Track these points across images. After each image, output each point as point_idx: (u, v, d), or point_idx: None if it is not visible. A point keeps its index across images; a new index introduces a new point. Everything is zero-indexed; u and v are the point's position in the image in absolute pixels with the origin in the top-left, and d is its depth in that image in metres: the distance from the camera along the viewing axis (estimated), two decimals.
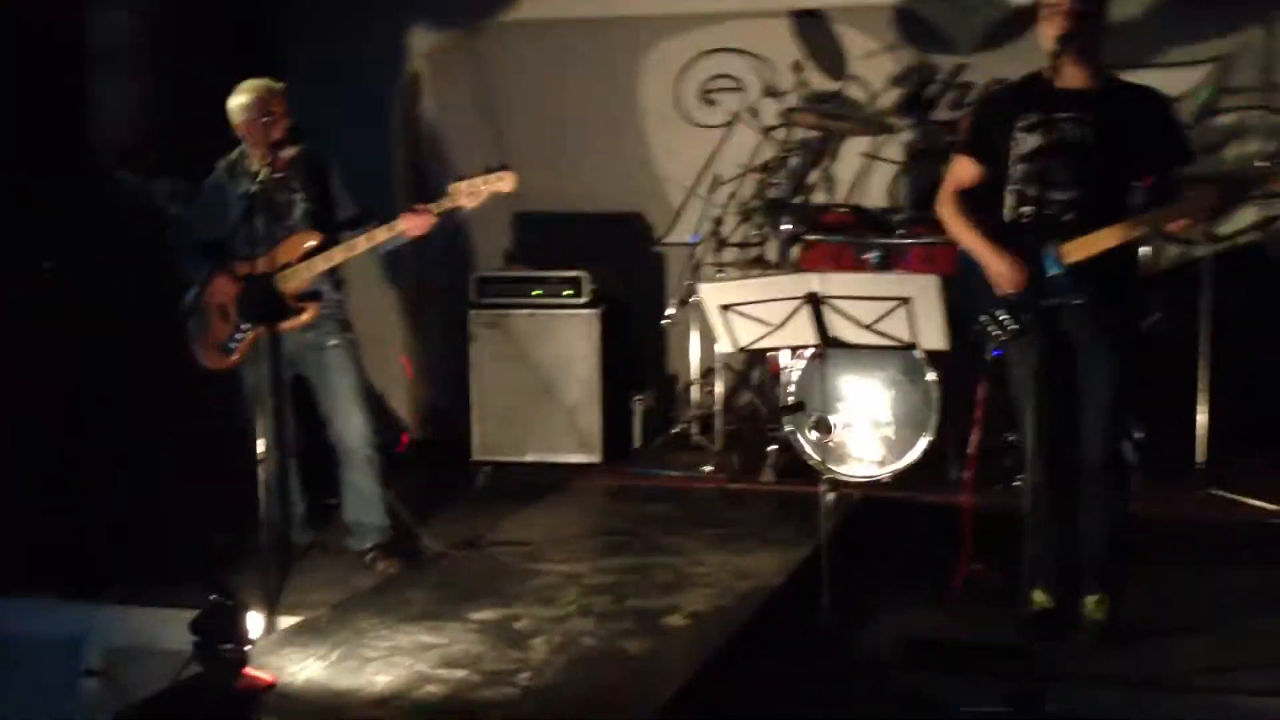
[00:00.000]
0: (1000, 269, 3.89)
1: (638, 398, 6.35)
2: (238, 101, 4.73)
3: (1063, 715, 3.50)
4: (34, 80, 5.08)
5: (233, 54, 6.59)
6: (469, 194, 4.65)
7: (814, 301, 3.51)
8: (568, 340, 6.11)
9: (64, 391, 4.90)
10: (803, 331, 3.59)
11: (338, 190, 4.88)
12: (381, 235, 4.67)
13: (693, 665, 3.44)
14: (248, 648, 3.29)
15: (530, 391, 6.11)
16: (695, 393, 6.15)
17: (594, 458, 6.03)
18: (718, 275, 6.00)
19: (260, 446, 4.31)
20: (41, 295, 4.87)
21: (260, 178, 4.37)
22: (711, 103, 6.91)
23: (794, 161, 6.28)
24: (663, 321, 6.18)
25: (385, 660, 3.46)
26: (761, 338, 3.67)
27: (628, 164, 7.02)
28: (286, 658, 3.49)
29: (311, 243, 4.68)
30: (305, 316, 4.68)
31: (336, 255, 4.69)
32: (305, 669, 3.41)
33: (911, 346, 3.69)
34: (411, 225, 4.65)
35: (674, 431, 6.17)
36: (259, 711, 3.18)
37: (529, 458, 6.11)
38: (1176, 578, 4.49)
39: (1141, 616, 4.05)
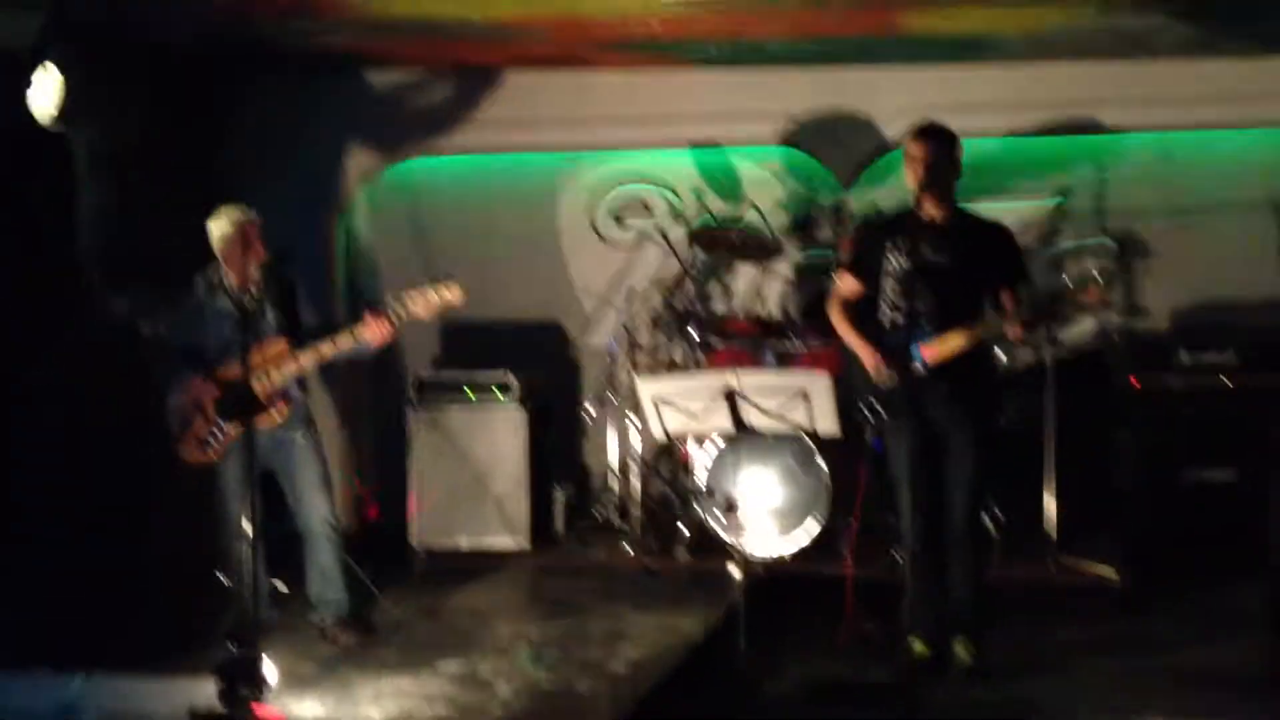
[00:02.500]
0: (873, 363, 4.71)
1: (559, 488, 7.03)
2: (220, 230, 5.33)
3: None
4: (28, 196, 5.65)
5: (183, 174, 7.26)
6: (424, 305, 5.29)
7: (730, 395, 4.28)
8: (498, 436, 6.75)
9: (56, 488, 5.39)
10: (721, 420, 4.35)
11: (302, 302, 5.51)
12: (345, 342, 5.29)
13: (636, 699, 4.12)
14: (266, 690, 3.89)
15: (464, 483, 6.73)
16: (614, 483, 6.86)
17: (523, 543, 6.66)
18: (647, 373, 6.66)
19: (238, 532, 4.92)
20: (33, 401, 5.39)
21: (248, 298, 5.01)
22: (622, 223, 7.73)
23: (697, 276, 7.09)
24: (586, 415, 6.89)
25: (375, 701, 4.08)
26: (686, 425, 4.42)
27: (546, 276, 7.78)
28: (287, 702, 4.08)
29: (281, 349, 5.31)
30: (278, 415, 5.29)
31: (305, 360, 5.30)
32: (307, 709, 4.01)
33: (813, 434, 4.47)
34: (373, 333, 5.28)
35: (597, 518, 6.85)
36: None
37: (462, 544, 6.72)
38: (1031, 630, 5.31)
39: (1002, 660, 4.83)
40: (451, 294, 5.27)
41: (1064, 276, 4.68)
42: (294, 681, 4.34)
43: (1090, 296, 4.59)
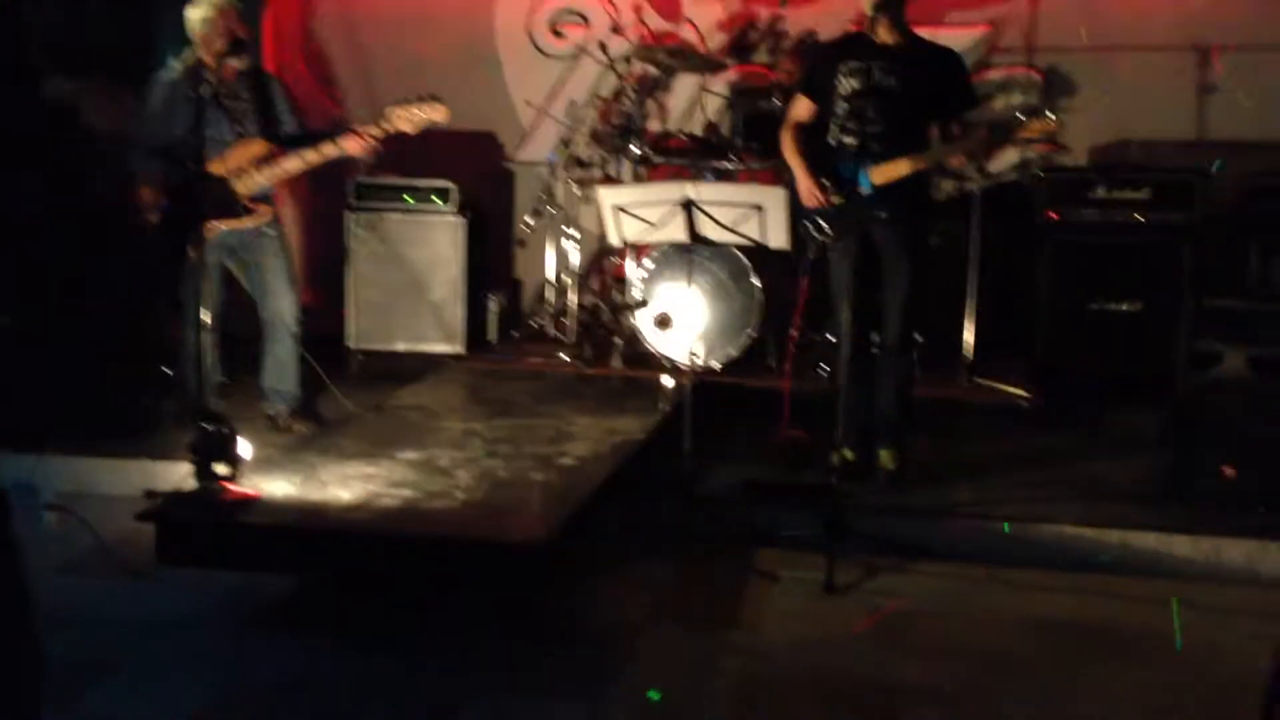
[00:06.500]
0: (807, 187, 4.87)
1: (492, 297, 7.16)
2: (198, 14, 5.20)
3: (862, 534, 4.54)
4: None
5: None
6: (409, 121, 5.29)
7: (688, 205, 4.42)
8: (436, 244, 6.84)
9: (10, 275, 5.38)
10: (676, 230, 4.51)
11: (281, 105, 5.46)
12: (329, 150, 5.29)
13: (588, 488, 4.35)
14: (239, 467, 4.04)
15: (400, 288, 6.84)
16: (549, 294, 7.00)
17: (458, 348, 6.82)
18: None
19: (193, 322, 5.01)
20: None
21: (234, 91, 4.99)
22: (560, 36, 7.71)
23: (635, 93, 7.14)
24: (524, 226, 6.99)
25: (342, 484, 4.25)
26: (643, 233, 4.57)
27: (482, 85, 7.76)
28: (257, 482, 4.23)
29: (263, 150, 5.29)
30: (257, 218, 5.31)
31: (290, 166, 5.30)
32: (277, 488, 4.17)
33: (751, 249, 4.65)
34: (354, 145, 5.30)
35: (532, 326, 7.01)
36: (252, 515, 3.94)
37: (399, 347, 6.86)
38: (948, 443, 5.67)
39: (922, 468, 5.18)
40: (437, 113, 5.30)
41: (1016, 111, 4.84)
42: (259, 465, 4.47)
43: (1037, 131, 4.74)
